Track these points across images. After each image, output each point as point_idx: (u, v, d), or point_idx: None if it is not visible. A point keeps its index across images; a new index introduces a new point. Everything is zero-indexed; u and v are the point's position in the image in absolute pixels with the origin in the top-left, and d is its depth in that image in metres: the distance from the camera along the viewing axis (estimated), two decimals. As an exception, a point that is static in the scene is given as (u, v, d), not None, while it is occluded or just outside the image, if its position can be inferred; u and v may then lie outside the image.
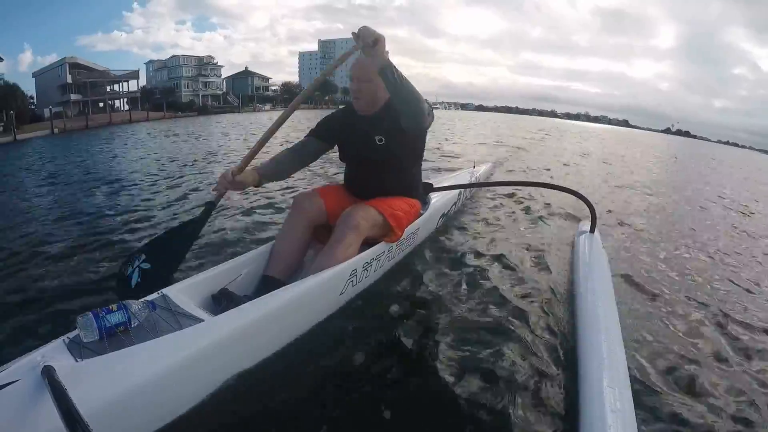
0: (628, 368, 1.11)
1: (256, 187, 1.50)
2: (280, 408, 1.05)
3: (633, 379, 1.14)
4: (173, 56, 41.89)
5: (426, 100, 1.39)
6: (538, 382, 1.18)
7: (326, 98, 53.42)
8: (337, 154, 1.69)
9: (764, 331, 1.67)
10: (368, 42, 1.21)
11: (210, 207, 1.47)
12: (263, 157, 1.59)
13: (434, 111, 1.49)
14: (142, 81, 36.67)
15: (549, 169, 5.93)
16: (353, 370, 1.22)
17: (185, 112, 32.52)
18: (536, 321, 1.51)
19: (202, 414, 0.97)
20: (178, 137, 11.18)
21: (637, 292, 1.89)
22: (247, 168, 1.42)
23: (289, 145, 1.65)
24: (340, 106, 1.95)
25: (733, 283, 2.20)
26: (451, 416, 1.06)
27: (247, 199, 3.19)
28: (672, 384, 1.25)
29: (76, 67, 30.66)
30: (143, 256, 1.38)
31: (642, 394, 1.17)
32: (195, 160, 5.98)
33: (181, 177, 4.51)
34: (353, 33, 1.24)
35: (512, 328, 1.45)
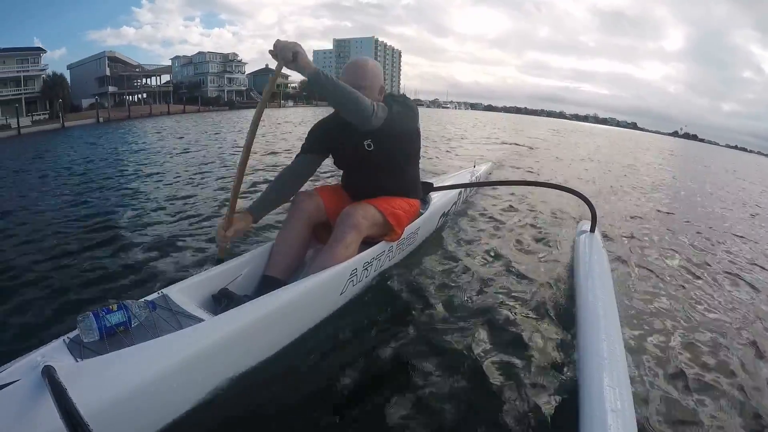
0: (628, 368, 1.11)
1: (254, 224, 1.46)
2: (281, 408, 1.05)
3: (633, 379, 1.14)
4: (199, 52, 42.42)
5: (390, 97, 1.44)
6: (538, 382, 1.18)
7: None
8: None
9: (765, 330, 1.67)
10: (287, 57, 1.16)
11: (219, 262, 1.39)
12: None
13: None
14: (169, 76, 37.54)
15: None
16: (354, 369, 1.21)
17: (214, 106, 33.90)
18: (536, 321, 1.51)
19: (202, 414, 0.97)
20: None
21: (638, 291, 1.89)
22: (236, 215, 1.35)
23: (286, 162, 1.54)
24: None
25: (735, 282, 2.20)
26: (450, 416, 1.06)
27: (246, 200, 3.19)
28: (672, 384, 1.25)
29: (113, 60, 31.93)
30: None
31: (642, 394, 1.17)
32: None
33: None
34: (270, 51, 1.19)
35: (512, 328, 1.45)
